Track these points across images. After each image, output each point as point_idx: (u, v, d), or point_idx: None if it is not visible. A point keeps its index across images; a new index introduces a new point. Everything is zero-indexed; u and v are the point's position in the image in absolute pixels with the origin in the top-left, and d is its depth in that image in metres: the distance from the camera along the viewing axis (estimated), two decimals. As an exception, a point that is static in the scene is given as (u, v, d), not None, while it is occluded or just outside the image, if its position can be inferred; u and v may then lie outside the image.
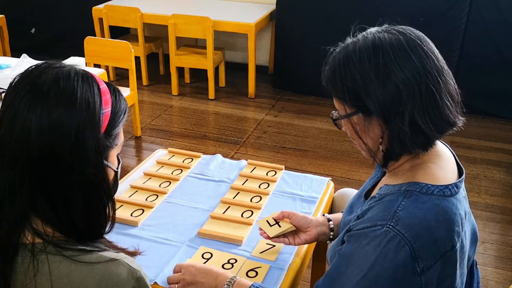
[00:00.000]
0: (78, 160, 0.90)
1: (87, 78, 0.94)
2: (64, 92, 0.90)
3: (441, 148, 1.18)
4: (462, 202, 1.12)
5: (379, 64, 1.05)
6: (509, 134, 3.85)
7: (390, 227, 1.04)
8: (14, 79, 0.93)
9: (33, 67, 0.94)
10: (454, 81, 1.11)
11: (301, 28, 4.28)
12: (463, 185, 1.15)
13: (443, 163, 1.14)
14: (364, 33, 1.13)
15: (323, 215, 1.50)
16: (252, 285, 1.24)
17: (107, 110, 0.95)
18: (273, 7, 4.47)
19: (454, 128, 1.11)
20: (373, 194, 1.24)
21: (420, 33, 1.11)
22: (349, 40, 1.14)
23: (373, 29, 1.13)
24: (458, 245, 1.08)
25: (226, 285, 1.25)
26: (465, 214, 1.13)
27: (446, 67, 1.10)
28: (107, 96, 0.96)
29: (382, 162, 1.16)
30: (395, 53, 1.05)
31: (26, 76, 0.92)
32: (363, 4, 4.01)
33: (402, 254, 1.02)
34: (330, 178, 1.84)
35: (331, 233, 1.45)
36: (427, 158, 1.13)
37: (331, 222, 1.46)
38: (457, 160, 1.21)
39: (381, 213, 1.07)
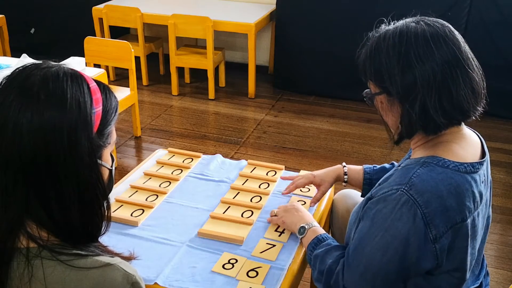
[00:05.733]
0: (72, 161, 0.89)
1: (76, 77, 0.93)
2: (54, 93, 0.88)
3: (467, 132, 1.26)
4: (478, 184, 1.19)
5: (401, 52, 1.15)
6: (509, 134, 3.85)
7: (404, 191, 1.14)
8: (2, 81, 0.91)
9: (20, 69, 0.92)
10: (479, 72, 1.19)
11: (301, 28, 4.27)
12: (483, 170, 1.22)
13: (464, 145, 1.22)
14: (398, 22, 1.23)
15: (344, 166, 1.70)
16: (320, 234, 1.41)
17: (98, 109, 0.94)
18: (273, 7, 4.47)
19: (471, 117, 1.19)
20: None
21: (448, 27, 1.20)
22: (384, 26, 1.24)
23: (409, 19, 1.23)
24: (469, 220, 1.16)
25: (305, 225, 1.45)
26: (481, 197, 1.20)
27: (470, 60, 1.17)
28: (97, 95, 0.95)
29: (396, 139, 1.25)
30: (418, 43, 1.14)
31: (13, 79, 0.90)
32: (363, 4, 4.01)
33: (415, 218, 1.11)
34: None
35: (345, 178, 1.68)
36: (451, 138, 1.22)
37: (346, 176, 1.68)
38: (484, 147, 1.29)
39: (398, 178, 1.18)
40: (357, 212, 1.31)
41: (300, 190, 1.76)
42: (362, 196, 1.70)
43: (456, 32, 1.19)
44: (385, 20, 1.26)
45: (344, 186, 1.72)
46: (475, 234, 1.21)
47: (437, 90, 1.13)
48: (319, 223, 1.64)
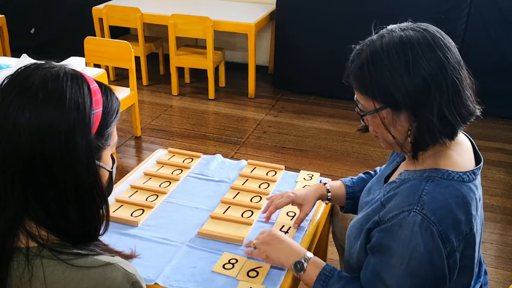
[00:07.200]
0: (69, 161, 0.89)
1: (77, 78, 0.93)
2: (53, 94, 0.88)
3: (460, 136, 1.23)
4: (479, 189, 1.19)
5: (408, 60, 1.09)
6: (509, 134, 3.85)
7: (417, 211, 1.10)
8: (3, 81, 0.91)
9: (22, 68, 0.92)
10: (470, 72, 1.18)
11: (301, 28, 4.28)
12: (479, 173, 1.21)
13: (461, 151, 1.21)
14: (388, 30, 1.17)
15: (325, 184, 1.60)
16: (323, 268, 1.29)
17: (98, 110, 0.94)
18: (273, 7, 4.47)
19: (474, 117, 1.17)
20: (392, 179, 1.29)
21: (439, 29, 1.17)
22: (373, 37, 1.17)
23: (395, 26, 1.17)
24: (475, 228, 1.15)
25: (301, 260, 1.31)
26: (479, 200, 1.20)
27: (461, 60, 1.16)
28: (98, 96, 0.95)
29: (412, 154, 1.19)
30: (422, 49, 1.10)
31: (14, 78, 0.91)
32: (363, 4, 4.01)
33: (433, 237, 1.09)
34: (330, 178, 1.84)
35: (329, 195, 1.59)
36: (447, 146, 1.18)
37: (329, 194, 1.58)
38: (476, 148, 1.26)
39: (406, 198, 1.14)
40: (358, 228, 1.27)
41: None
42: (345, 211, 1.62)
43: (446, 35, 1.17)
44: (373, 29, 1.20)
45: (327, 204, 1.63)
46: (477, 238, 1.20)
47: (449, 93, 1.10)
48: (319, 224, 1.64)
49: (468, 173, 1.16)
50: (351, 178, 1.63)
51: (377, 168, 1.65)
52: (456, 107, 1.11)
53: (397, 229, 1.12)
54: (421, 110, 1.11)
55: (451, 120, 1.11)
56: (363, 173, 1.66)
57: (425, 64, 1.09)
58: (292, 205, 1.59)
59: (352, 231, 1.31)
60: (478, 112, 1.17)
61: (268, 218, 1.57)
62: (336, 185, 1.60)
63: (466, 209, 1.12)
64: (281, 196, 1.56)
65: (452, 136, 1.16)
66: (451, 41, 1.15)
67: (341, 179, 1.63)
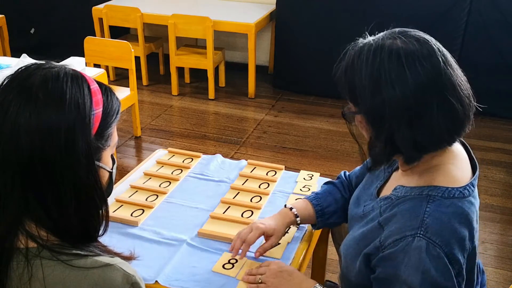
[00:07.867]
0: (69, 162, 0.89)
1: (77, 78, 0.93)
2: (52, 94, 0.89)
3: (456, 146, 1.18)
4: (476, 197, 1.15)
5: (373, 73, 1.06)
6: (509, 134, 3.85)
7: (421, 235, 1.06)
8: (4, 81, 0.91)
9: (23, 68, 0.93)
10: (467, 92, 1.09)
11: (301, 28, 4.28)
12: (477, 181, 1.18)
13: (459, 163, 1.16)
14: (376, 37, 1.13)
15: (291, 209, 1.48)
16: None
17: (98, 110, 0.94)
18: (273, 7, 4.47)
19: (448, 146, 1.13)
20: (386, 193, 1.25)
21: (429, 44, 1.07)
22: (360, 40, 1.16)
23: (386, 33, 1.12)
24: (476, 241, 1.13)
25: None
26: (478, 210, 1.17)
27: (453, 82, 1.07)
28: (98, 97, 0.95)
29: (372, 164, 1.19)
30: (390, 64, 1.05)
31: (15, 78, 0.91)
32: (362, 4, 4.01)
33: (441, 260, 1.05)
34: (330, 178, 1.84)
35: (298, 220, 1.47)
36: (445, 159, 1.14)
37: (298, 219, 1.47)
38: (472, 155, 1.22)
39: (408, 222, 1.09)
40: (355, 249, 1.22)
41: (300, 189, 1.76)
42: (317, 228, 1.53)
43: (438, 52, 1.06)
44: (366, 32, 1.17)
45: (298, 228, 1.53)
46: (477, 248, 1.18)
47: (407, 119, 1.05)
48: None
49: (468, 187, 1.12)
50: (316, 194, 1.54)
51: (342, 173, 1.60)
52: (411, 134, 1.06)
53: (403, 257, 1.07)
54: (373, 128, 1.10)
55: (400, 148, 1.08)
56: (325, 183, 1.59)
57: (386, 79, 1.04)
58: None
59: (349, 251, 1.26)
60: (452, 142, 1.12)
61: (243, 255, 1.41)
62: (302, 206, 1.49)
63: (469, 225, 1.09)
64: (250, 230, 1.41)
65: (408, 162, 1.13)
66: (438, 59, 1.05)
67: (305, 196, 1.55)
